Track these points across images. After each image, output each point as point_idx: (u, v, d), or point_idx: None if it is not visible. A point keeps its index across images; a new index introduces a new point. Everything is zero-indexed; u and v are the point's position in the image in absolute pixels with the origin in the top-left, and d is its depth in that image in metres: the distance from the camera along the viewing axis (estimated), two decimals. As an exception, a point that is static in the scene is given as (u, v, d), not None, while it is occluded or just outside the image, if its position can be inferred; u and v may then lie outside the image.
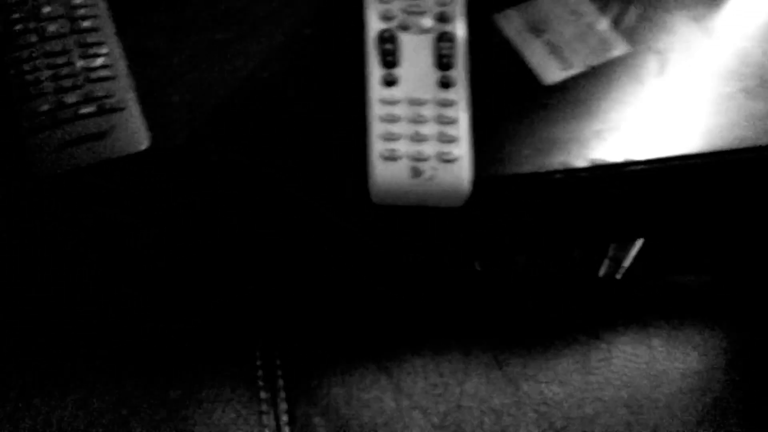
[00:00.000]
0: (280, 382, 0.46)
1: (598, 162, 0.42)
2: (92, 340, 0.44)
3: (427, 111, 0.39)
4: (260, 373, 0.46)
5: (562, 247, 0.82)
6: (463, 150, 0.38)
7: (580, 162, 0.42)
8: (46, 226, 0.39)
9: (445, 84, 0.39)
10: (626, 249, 0.92)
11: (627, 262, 0.91)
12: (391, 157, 0.38)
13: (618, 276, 0.89)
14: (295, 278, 0.48)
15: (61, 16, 0.40)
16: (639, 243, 0.91)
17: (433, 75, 0.40)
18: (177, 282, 0.46)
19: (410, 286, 0.51)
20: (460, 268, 0.63)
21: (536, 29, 0.44)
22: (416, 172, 0.38)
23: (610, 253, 0.92)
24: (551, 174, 0.41)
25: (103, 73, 0.39)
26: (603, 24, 0.45)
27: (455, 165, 0.38)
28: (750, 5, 0.47)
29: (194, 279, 0.46)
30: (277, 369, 0.46)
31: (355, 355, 0.47)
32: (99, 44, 0.40)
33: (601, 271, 0.91)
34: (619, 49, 0.44)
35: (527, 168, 0.41)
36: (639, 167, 0.43)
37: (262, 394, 0.46)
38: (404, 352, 0.48)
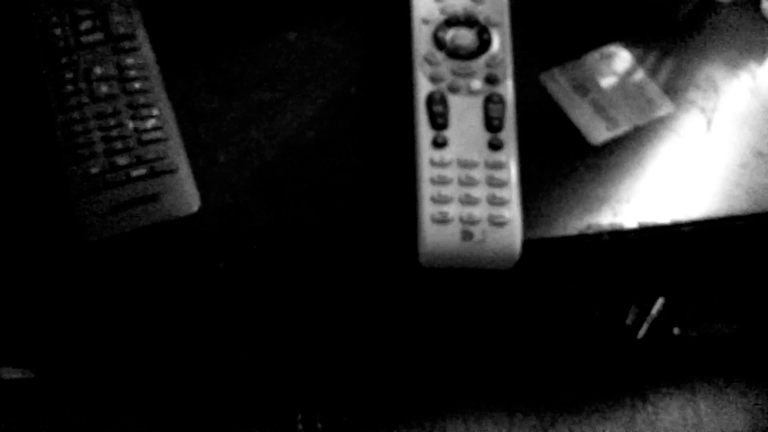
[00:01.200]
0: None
1: (645, 224, 0.42)
2: (139, 402, 0.44)
3: (478, 173, 0.39)
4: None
5: (592, 307, 0.82)
6: (513, 212, 0.38)
7: (628, 223, 0.41)
8: (95, 291, 0.38)
9: (495, 146, 0.39)
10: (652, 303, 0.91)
11: (654, 313, 0.90)
12: (441, 220, 0.37)
13: (644, 329, 0.88)
14: (336, 340, 0.48)
15: (112, 77, 0.40)
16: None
17: (482, 137, 0.40)
18: (222, 345, 0.45)
19: (450, 346, 0.50)
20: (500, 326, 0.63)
21: (582, 88, 0.44)
22: (467, 235, 0.37)
23: (635, 308, 0.91)
24: (599, 236, 0.41)
25: (154, 134, 0.39)
26: (648, 83, 0.45)
27: (506, 228, 0.38)
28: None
29: (238, 342, 0.45)
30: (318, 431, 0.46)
31: (397, 417, 0.46)
32: (150, 106, 0.40)
33: (629, 321, 0.90)
34: (665, 108, 0.44)
35: (574, 230, 0.41)
36: (686, 228, 0.42)
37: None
38: (447, 413, 0.47)
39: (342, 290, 0.42)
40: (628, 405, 0.49)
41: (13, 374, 0.49)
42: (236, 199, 0.40)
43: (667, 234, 0.42)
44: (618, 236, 0.41)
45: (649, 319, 0.86)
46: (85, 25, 0.41)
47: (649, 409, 0.49)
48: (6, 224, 0.39)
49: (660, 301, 0.90)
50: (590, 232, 0.41)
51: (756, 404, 0.53)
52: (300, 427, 0.46)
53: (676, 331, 0.90)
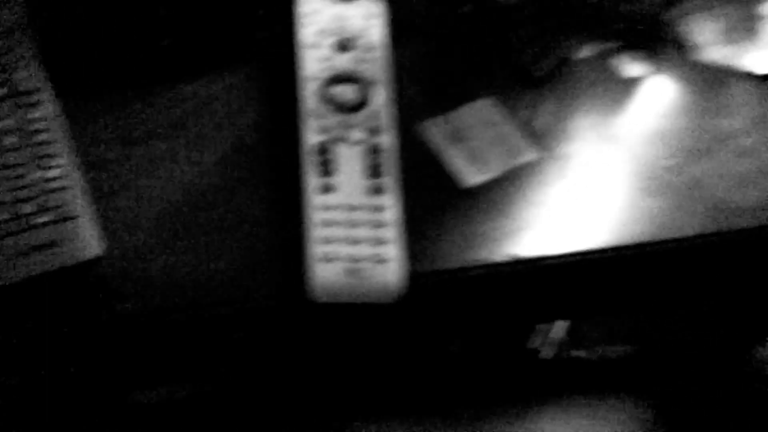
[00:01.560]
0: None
1: (515, 257, 0.47)
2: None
3: (361, 216, 0.43)
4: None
5: (489, 330, 0.87)
6: (394, 251, 0.43)
7: (500, 257, 0.46)
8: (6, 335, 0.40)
9: (377, 190, 0.44)
10: (552, 323, 0.97)
11: (554, 335, 0.96)
12: (329, 259, 0.41)
13: (543, 349, 0.94)
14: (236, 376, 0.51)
15: (17, 130, 0.43)
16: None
17: (365, 183, 0.44)
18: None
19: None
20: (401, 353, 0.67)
21: (456, 137, 0.50)
22: (352, 273, 0.41)
23: (538, 327, 0.97)
24: (475, 269, 0.46)
25: (58, 183, 0.42)
26: (514, 132, 0.50)
27: (388, 265, 0.42)
28: (645, 115, 0.54)
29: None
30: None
31: None
32: (54, 156, 0.42)
33: (530, 344, 0.96)
34: (529, 154, 0.50)
35: (452, 264, 0.45)
36: (553, 261, 0.48)
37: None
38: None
39: (239, 328, 0.45)
40: (528, 426, 0.53)
41: None
42: (138, 243, 0.43)
43: (534, 266, 0.47)
44: (491, 269, 0.46)
45: (551, 343, 0.92)
46: (-10, 81, 0.44)
47: (528, 425, 0.54)
48: None
49: (563, 325, 0.97)
50: (466, 266, 0.46)
51: (629, 415, 0.59)
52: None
53: (577, 353, 0.96)
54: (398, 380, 0.59)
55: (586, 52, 0.56)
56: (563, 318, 0.81)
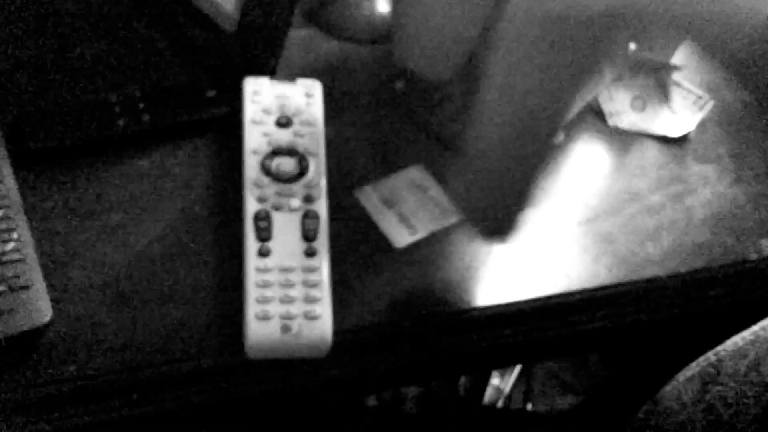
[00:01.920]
0: None
1: (444, 309, 0.50)
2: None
3: (295, 276, 0.47)
4: None
5: (443, 381, 0.90)
6: (325, 308, 0.46)
7: (426, 311, 0.50)
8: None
9: (310, 253, 0.48)
10: (508, 375, 1.01)
11: (507, 388, 0.99)
12: (264, 317, 0.45)
13: (499, 402, 0.97)
14: None
15: (-25, 208, 0.46)
16: (517, 369, 1.00)
17: (300, 246, 0.48)
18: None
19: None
20: (349, 402, 0.69)
21: (388, 201, 0.54)
22: (286, 329, 0.45)
23: (493, 380, 1.00)
24: (401, 323, 0.50)
25: (12, 256, 0.45)
26: (441, 196, 0.55)
27: (318, 321, 0.45)
28: (562, 177, 0.59)
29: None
30: None
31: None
32: (10, 230, 0.46)
33: (486, 398, 0.98)
34: (455, 217, 0.54)
35: (380, 319, 0.49)
36: (477, 313, 0.51)
37: None
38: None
39: (187, 388, 0.48)
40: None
41: None
42: (87, 310, 0.46)
43: (458, 319, 0.51)
44: (419, 322, 0.50)
45: (502, 395, 0.95)
46: (-50, 162, 0.47)
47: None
48: None
49: (513, 375, 1.00)
50: (393, 320, 0.49)
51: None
52: None
53: (528, 406, 0.99)
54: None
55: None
56: (494, 366, 0.84)
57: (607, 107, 0.63)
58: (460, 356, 0.52)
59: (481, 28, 0.58)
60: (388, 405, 0.90)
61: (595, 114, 0.63)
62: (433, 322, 0.51)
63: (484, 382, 0.97)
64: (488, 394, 0.98)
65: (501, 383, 0.99)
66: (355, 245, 0.52)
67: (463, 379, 0.97)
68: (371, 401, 0.88)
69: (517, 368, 0.98)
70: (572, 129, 0.61)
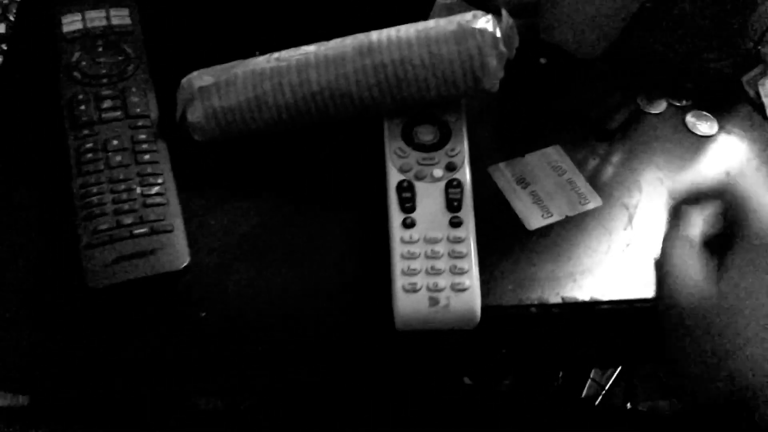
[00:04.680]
0: None
1: (568, 299, 0.48)
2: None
3: (441, 248, 0.45)
4: None
5: (544, 371, 0.87)
6: (473, 280, 0.44)
7: (554, 298, 0.48)
8: (96, 331, 0.44)
9: (456, 224, 0.46)
10: (607, 373, 0.97)
11: (607, 385, 0.96)
12: (411, 290, 0.44)
13: (598, 400, 0.94)
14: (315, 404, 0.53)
15: (126, 149, 0.48)
16: (618, 368, 0.96)
17: (445, 216, 0.46)
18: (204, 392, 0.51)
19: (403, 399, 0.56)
20: (450, 382, 0.69)
21: (523, 181, 0.52)
22: (433, 302, 0.44)
23: (593, 376, 0.97)
24: (528, 307, 0.48)
25: (157, 199, 0.46)
26: (580, 180, 0.52)
27: (467, 293, 0.44)
28: (712, 171, 0.55)
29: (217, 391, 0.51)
30: None
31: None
32: (156, 174, 0.47)
33: (584, 393, 0.96)
34: (593, 202, 0.52)
35: (508, 301, 0.47)
36: (604, 306, 0.49)
37: None
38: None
39: (320, 354, 0.48)
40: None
41: (3, 401, 0.54)
42: (222, 259, 0.47)
43: (588, 310, 0.49)
44: (544, 309, 0.48)
45: (591, 381, 0.92)
46: (107, 103, 0.49)
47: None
48: (23, 268, 0.46)
49: (615, 372, 0.97)
50: (521, 304, 0.48)
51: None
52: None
53: (628, 405, 0.96)
54: (447, 413, 0.61)
55: (657, 108, 0.58)
56: (611, 365, 0.81)
57: (762, 99, 0.59)
58: (580, 351, 0.50)
59: (638, 4, 0.54)
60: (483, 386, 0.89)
61: (750, 106, 0.58)
62: (555, 311, 0.49)
63: (585, 375, 0.94)
64: (587, 388, 0.95)
65: (602, 379, 0.96)
66: (486, 223, 0.50)
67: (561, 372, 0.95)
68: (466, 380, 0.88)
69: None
70: (724, 122, 0.57)
